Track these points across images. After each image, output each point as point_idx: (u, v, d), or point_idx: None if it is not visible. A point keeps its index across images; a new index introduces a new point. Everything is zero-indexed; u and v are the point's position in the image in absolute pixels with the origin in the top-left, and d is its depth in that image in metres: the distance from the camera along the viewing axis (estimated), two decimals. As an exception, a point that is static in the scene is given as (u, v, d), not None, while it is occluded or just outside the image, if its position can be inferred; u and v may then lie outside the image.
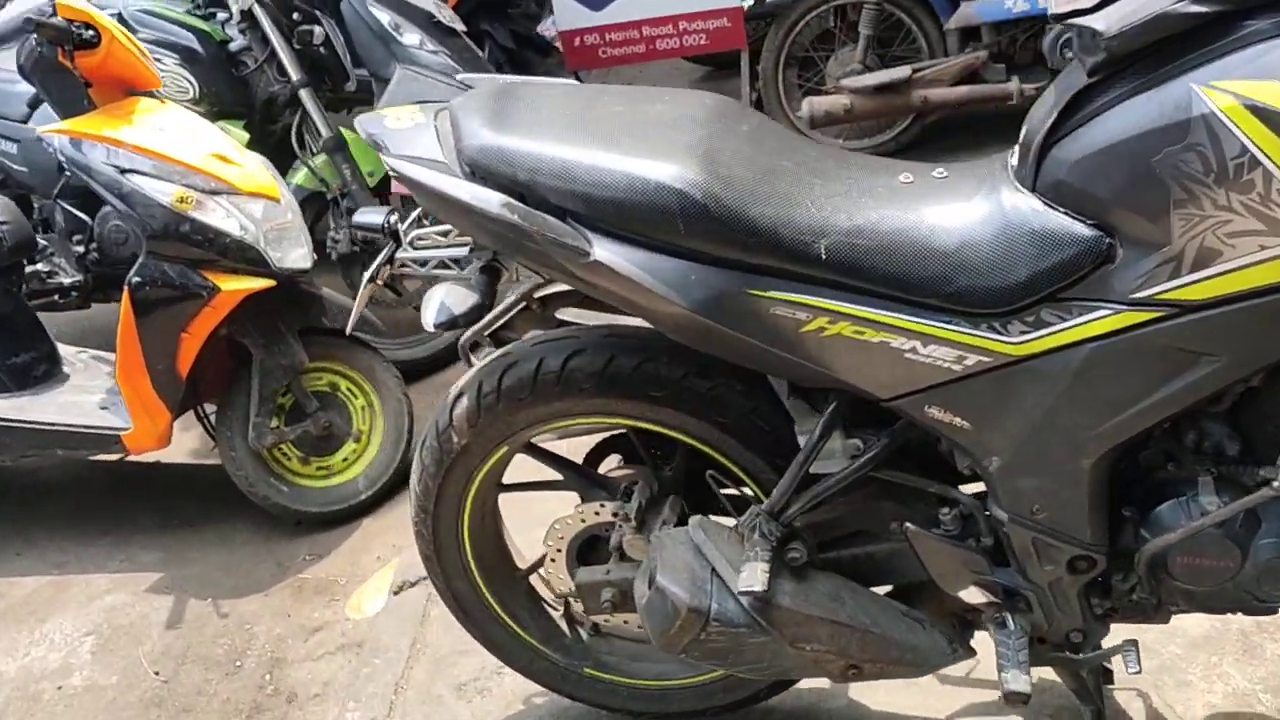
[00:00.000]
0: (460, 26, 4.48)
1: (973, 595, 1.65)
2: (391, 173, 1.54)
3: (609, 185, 1.47)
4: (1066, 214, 1.40)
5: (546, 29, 6.48)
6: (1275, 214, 1.27)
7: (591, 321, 1.84)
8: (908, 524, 1.62)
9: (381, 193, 3.83)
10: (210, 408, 3.20)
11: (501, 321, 1.99)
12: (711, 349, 1.57)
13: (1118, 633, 1.68)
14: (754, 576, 1.55)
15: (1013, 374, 1.46)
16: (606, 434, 1.98)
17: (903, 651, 1.65)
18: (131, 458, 3.18)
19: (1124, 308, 1.39)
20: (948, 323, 1.46)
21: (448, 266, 1.76)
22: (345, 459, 3.25)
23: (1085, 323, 1.41)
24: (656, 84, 5.82)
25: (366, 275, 1.75)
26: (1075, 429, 1.48)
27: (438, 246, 1.77)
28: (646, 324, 1.84)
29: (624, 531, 1.80)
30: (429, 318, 1.56)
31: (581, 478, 1.94)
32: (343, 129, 3.79)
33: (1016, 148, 1.51)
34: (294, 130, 3.85)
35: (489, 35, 5.32)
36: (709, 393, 1.70)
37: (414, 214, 1.80)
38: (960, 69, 4.22)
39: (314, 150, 3.83)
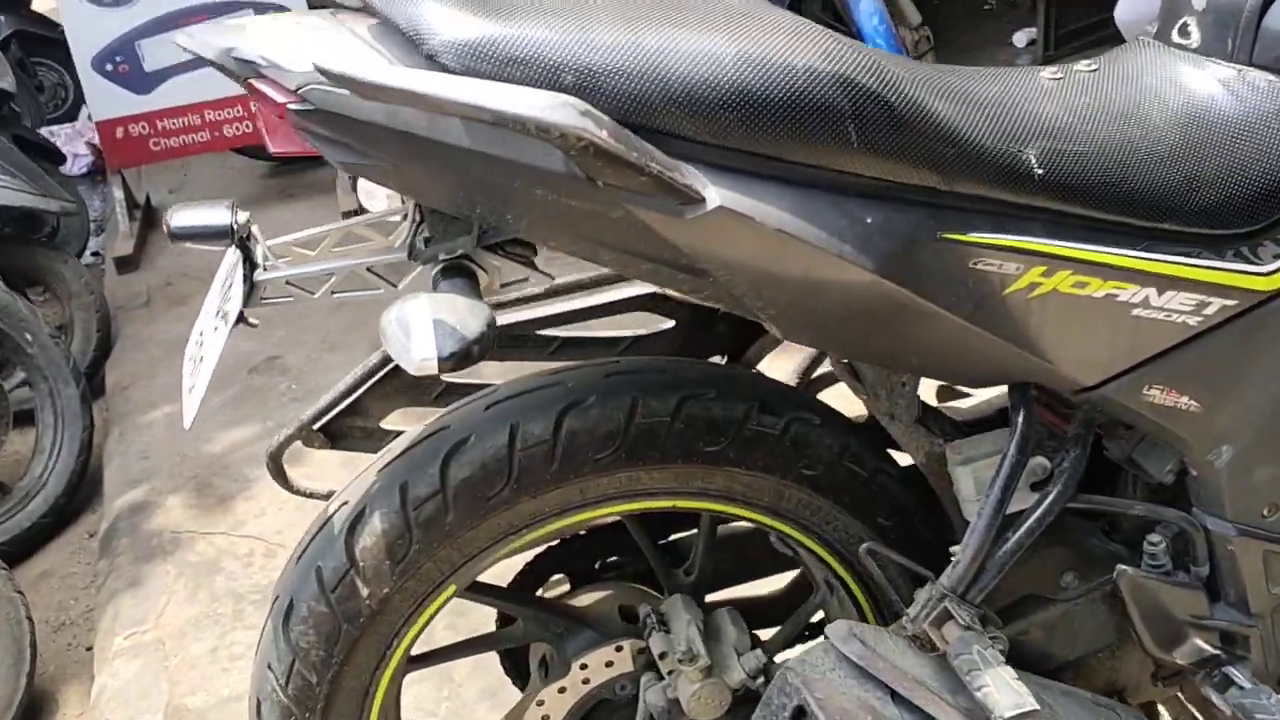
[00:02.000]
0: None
1: (1185, 653, 1.18)
2: (314, 92, 0.81)
3: (731, 83, 0.86)
4: None
5: (52, 134, 5.46)
6: None
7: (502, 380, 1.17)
8: (1121, 567, 1.12)
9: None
10: None
11: (349, 401, 1.26)
12: (865, 347, 0.99)
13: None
14: (1012, 692, 0.96)
15: (1261, 319, 1.06)
16: (539, 549, 1.29)
17: (1119, 753, 1.15)
18: None
19: None
20: (1190, 255, 1.02)
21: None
22: (-62, 706, 2.15)
23: None
24: (208, 183, 4.94)
25: (228, 318, 0.97)
26: (1331, 385, 1.09)
27: (311, 261, 1.03)
28: (653, 351, 1.24)
29: (680, 678, 1.12)
30: (426, 352, 0.82)
31: (554, 616, 1.22)
32: None
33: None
34: None
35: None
36: (784, 434, 1.10)
37: (242, 216, 1.03)
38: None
39: None
